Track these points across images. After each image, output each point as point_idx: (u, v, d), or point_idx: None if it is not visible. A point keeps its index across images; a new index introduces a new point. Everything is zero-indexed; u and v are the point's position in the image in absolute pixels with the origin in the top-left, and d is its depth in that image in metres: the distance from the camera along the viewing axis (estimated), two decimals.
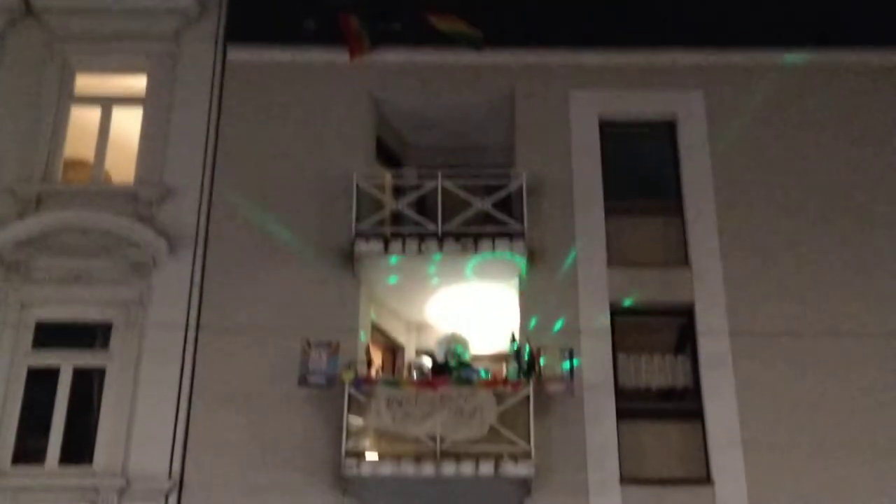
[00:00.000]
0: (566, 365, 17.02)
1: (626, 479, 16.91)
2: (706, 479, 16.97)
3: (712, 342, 17.76)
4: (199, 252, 18.38)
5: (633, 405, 17.56)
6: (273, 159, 19.12)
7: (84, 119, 19.67)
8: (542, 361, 17.10)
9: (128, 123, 19.56)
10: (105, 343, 17.87)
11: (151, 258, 18.19)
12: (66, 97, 19.65)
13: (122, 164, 19.36)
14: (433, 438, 16.55)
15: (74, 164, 19.67)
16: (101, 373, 17.66)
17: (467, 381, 17.09)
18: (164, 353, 17.61)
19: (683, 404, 17.72)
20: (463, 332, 18.28)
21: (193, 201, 18.75)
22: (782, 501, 16.68)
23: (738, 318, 17.86)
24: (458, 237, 18.12)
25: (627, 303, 18.09)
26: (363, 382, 17.01)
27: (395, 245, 18.10)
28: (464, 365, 17.68)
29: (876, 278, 18.14)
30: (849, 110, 19.40)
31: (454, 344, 17.93)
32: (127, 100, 19.75)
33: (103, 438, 17.12)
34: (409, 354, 19.21)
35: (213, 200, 18.82)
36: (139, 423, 17.18)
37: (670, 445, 17.43)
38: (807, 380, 17.47)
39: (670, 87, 19.65)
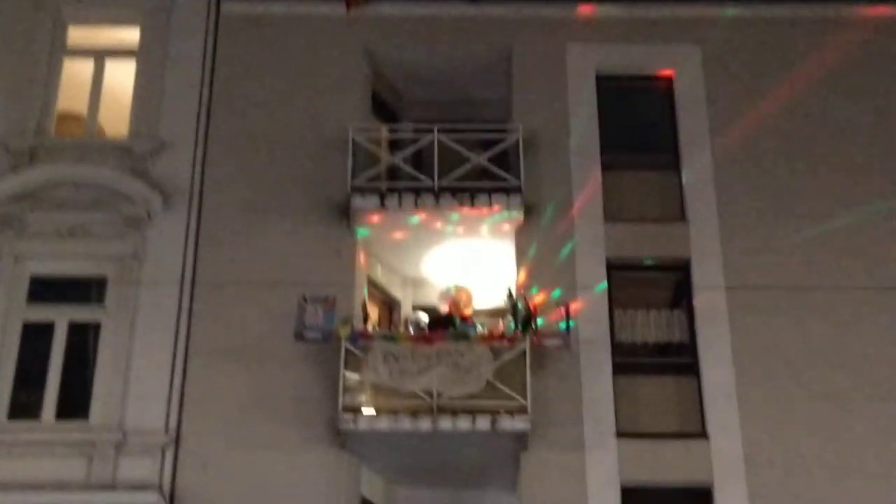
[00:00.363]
0: (563, 320, 17.01)
1: (621, 434, 16.96)
2: (701, 434, 17.03)
3: (708, 297, 17.80)
4: (194, 206, 18.31)
5: (629, 360, 17.61)
6: (268, 113, 19.00)
7: (77, 72, 19.50)
8: (538, 318, 17.12)
9: (121, 76, 19.39)
10: (100, 297, 17.80)
11: (146, 212, 18.10)
12: (59, 50, 19.46)
13: (116, 117, 19.21)
14: (430, 393, 16.57)
15: (68, 118, 19.52)
16: (96, 327, 17.62)
17: (464, 336, 17.07)
18: (159, 308, 17.57)
19: (679, 359, 17.76)
20: (465, 285, 18.26)
21: (188, 155, 18.63)
22: (777, 455, 16.76)
23: (734, 272, 17.87)
24: (454, 192, 18.08)
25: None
26: (360, 337, 16.99)
27: (391, 199, 18.05)
28: (464, 320, 17.67)
29: (872, 231, 18.14)
30: (847, 63, 19.31)
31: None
32: (120, 52, 19.56)
33: (99, 393, 17.09)
34: (406, 309, 19.18)
35: (207, 154, 18.71)
36: (135, 377, 17.14)
37: (666, 400, 17.47)
38: (802, 334, 17.51)
39: (668, 40, 19.56)
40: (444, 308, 18.07)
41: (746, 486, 16.55)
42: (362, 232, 18.21)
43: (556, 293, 17.60)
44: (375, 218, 18.09)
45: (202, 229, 18.18)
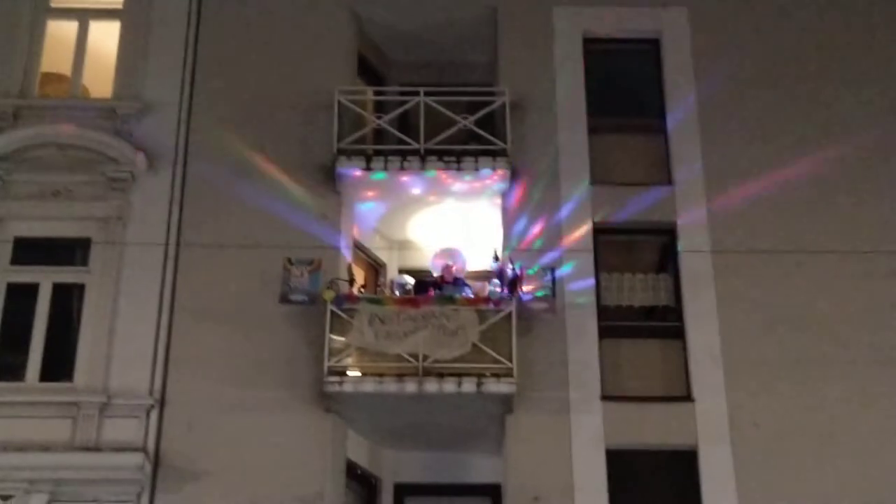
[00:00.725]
0: (548, 283, 16.99)
1: (607, 397, 16.98)
2: (687, 397, 17.06)
3: (694, 260, 17.77)
4: (179, 168, 18.22)
5: (614, 323, 17.61)
6: (254, 74, 18.89)
7: (61, 33, 19.33)
8: (524, 281, 17.11)
9: (106, 37, 19.23)
10: (84, 259, 17.72)
11: (130, 174, 18.01)
12: (43, 11, 19.32)
13: (101, 78, 19.07)
14: (416, 356, 16.56)
15: (52, 79, 19.38)
16: (80, 289, 17.52)
17: (450, 299, 17.04)
18: (144, 270, 17.50)
19: (665, 322, 17.78)
20: (459, 248, 18.25)
21: (172, 116, 18.54)
22: (762, 418, 16.78)
23: (721, 236, 17.86)
24: (440, 155, 18.04)
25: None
26: (345, 300, 16.95)
27: (378, 162, 18.00)
28: (457, 281, 17.65)
29: (859, 197, 18.15)
30: (834, 26, 19.30)
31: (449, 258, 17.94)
32: (104, 12, 19.41)
33: (84, 355, 17.03)
34: (392, 272, 19.14)
35: (192, 116, 18.61)
36: (120, 339, 17.09)
37: (651, 363, 17.50)
38: (787, 298, 17.53)
39: (654, 3, 19.46)
40: (436, 273, 18.02)
41: (731, 448, 16.61)
42: (347, 194, 18.13)
43: (543, 256, 17.54)
44: (361, 180, 18.02)
45: (187, 191, 18.09)
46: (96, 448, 16.40)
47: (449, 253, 18.08)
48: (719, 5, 19.40)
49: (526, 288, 17.01)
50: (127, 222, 17.78)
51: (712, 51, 19.06)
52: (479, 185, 18.17)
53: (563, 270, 17.50)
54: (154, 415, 16.70)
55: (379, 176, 18.06)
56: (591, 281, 17.68)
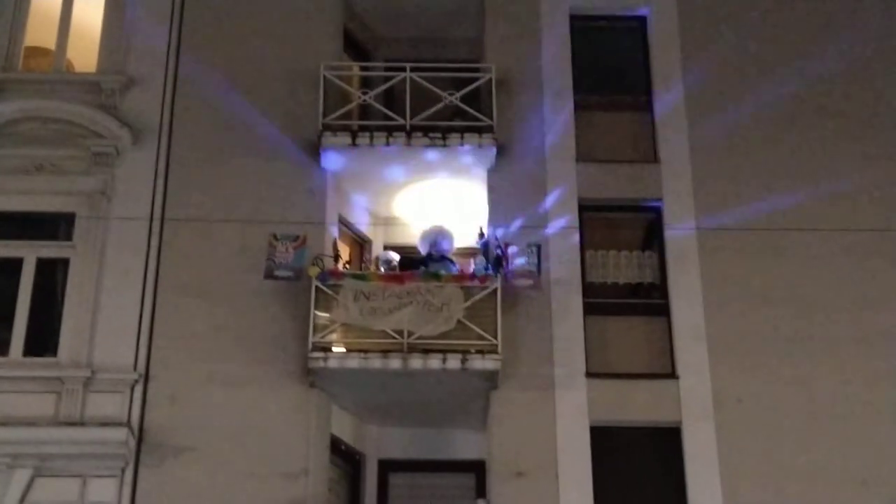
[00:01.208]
0: (534, 260, 16.98)
1: (591, 374, 16.99)
2: (671, 374, 17.08)
3: (679, 238, 17.79)
4: (164, 142, 18.16)
5: (599, 300, 17.61)
6: (239, 50, 18.80)
7: (46, 6, 19.20)
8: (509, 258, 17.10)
9: (91, 11, 19.11)
10: (68, 234, 17.66)
11: (115, 148, 17.93)
12: None
13: (85, 52, 18.98)
14: (400, 332, 16.56)
15: (36, 53, 19.29)
16: (65, 264, 17.47)
17: (435, 276, 17.03)
18: (128, 245, 17.45)
19: (650, 300, 17.80)
20: (447, 226, 18.23)
21: (157, 91, 18.46)
22: (745, 396, 16.82)
23: (706, 214, 17.86)
24: (426, 131, 17.99)
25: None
26: (330, 276, 16.93)
27: (363, 138, 17.95)
28: (444, 258, 17.64)
29: (844, 175, 18.12)
30: (823, 6, 19.24)
31: (436, 237, 17.90)
32: None
33: (68, 330, 16.98)
34: (377, 249, 19.11)
35: (177, 91, 18.53)
36: (104, 314, 17.05)
37: (636, 340, 17.51)
38: (772, 276, 17.55)
39: None
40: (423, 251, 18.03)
41: (715, 425, 16.63)
42: (333, 170, 18.08)
43: (527, 233, 17.51)
44: (346, 156, 17.97)
45: (171, 166, 18.03)
46: (80, 423, 16.36)
47: (437, 231, 18.05)
48: None
49: (511, 265, 17.00)
50: (111, 197, 17.72)
51: (699, 28, 19.04)
52: (465, 161, 18.11)
53: (549, 247, 17.45)
54: (138, 390, 16.67)
55: (364, 151, 18.03)
56: (577, 258, 17.66)
